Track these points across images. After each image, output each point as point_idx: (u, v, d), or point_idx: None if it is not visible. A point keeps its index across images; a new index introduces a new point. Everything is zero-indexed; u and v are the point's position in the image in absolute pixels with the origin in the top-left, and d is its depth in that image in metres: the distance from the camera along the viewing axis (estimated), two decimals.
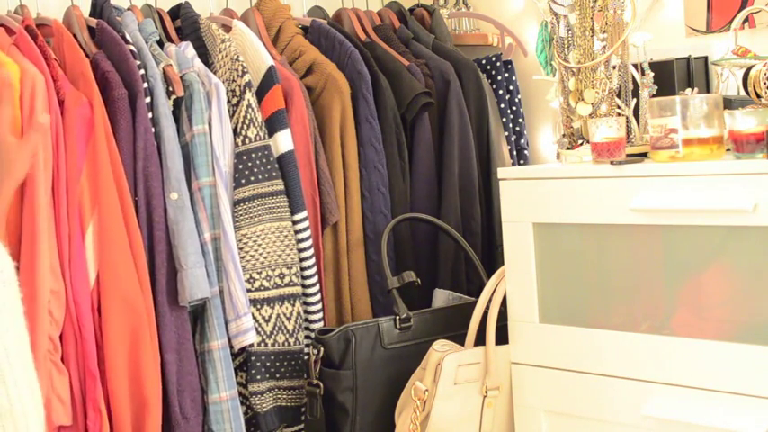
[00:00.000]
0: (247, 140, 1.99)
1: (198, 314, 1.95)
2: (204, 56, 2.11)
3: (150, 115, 1.90)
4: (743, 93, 1.80)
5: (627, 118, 1.93)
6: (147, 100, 1.89)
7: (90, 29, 2.02)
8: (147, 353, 1.83)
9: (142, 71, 1.91)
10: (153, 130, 1.90)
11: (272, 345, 2.01)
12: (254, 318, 1.98)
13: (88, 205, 1.80)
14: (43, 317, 1.73)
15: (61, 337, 1.78)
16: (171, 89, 1.95)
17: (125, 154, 1.86)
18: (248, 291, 1.98)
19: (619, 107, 1.94)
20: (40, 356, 1.74)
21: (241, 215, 1.99)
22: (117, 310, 1.81)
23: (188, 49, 2.05)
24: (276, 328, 2.02)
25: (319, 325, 2.09)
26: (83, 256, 1.79)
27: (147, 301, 1.84)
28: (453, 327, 2.03)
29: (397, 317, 2.00)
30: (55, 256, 1.76)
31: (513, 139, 2.49)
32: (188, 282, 1.85)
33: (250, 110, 2.00)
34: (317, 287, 2.09)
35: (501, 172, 1.94)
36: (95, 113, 1.82)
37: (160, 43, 2.06)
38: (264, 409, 2.01)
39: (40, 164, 1.74)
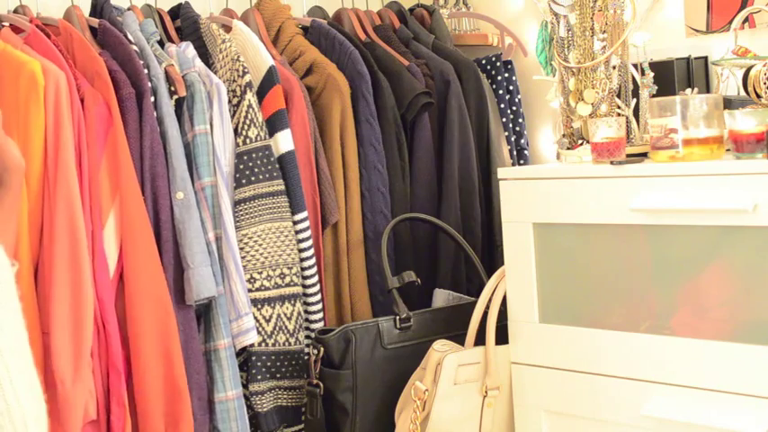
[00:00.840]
0: (248, 140, 2.00)
1: (201, 314, 1.95)
2: (204, 56, 2.11)
3: (155, 114, 1.90)
4: (743, 93, 1.80)
5: (627, 118, 1.93)
6: (152, 99, 1.90)
7: (91, 29, 2.02)
8: (176, 342, 1.83)
9: (146, 71, 1.91)
10: (158, 129, 1.91)
11: (273, 345, 2.01)
12: (255, 318, 1.98)
13: (107, 201, 1.82)
14: (90, 315, 1.74)
15: None
16: (173, 89, 1.95)
17: (133, 153, 1.86)
18: (249, 291, 1.98)
19: (619, 107, 1.94)
20: (85, 354, 1.74)
21: (242, 215, 1.99)
22: (146, 300, 1.81)
23: (188, 49, 2.05)
24: (277, 328, 2.02)
25: (319, 325, 2.09)
26: (103, 251, 1.80)
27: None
28: (453, 327, 2.03)
29: (397, 317, 2.00)
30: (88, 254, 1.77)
31: (513, 139, 2.49)
32: (195, 281, 1.86)
33: (251, 110, 2.00)
34: (318, 287, 2.10)
35: (501, 172, 1.94)
36: (113, 112, 1.83)
37: (160, 43, 2.06)
38: (265, 409, 2.01)
39: (70, 161, 1.75)
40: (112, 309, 1.81)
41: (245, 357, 2.03)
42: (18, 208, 1.56)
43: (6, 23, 1.93)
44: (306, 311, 2.09)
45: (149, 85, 1.90)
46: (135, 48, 1.93)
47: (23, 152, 1.74)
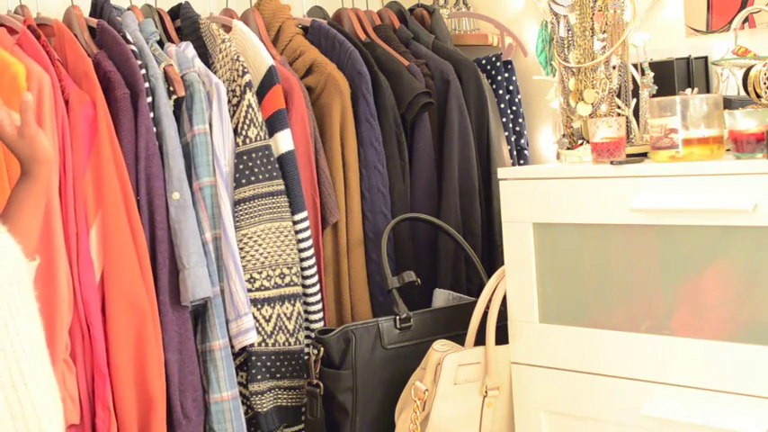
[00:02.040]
0: (248, 140, 2.00)
1: (198, 314, 1.95)
2: (204, 56, 2.11)
3: (152, 115, 1.90)
4: (743, 93, 1.80)
5: (627, 118, 1.93)
6: (149, 100, 1.90)
7: (90, 29, 2.02)
8: (152, 351, 1.83)
9: (143, 71, 1.91)
10: (155, 129, 1.90)
11: (273, 345, 2.01)
12: (255, 318, 1.98)
13: (92, 203, 1.81)
14: (64, 316, 1.73)
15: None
16: (172, 89, 1.95)
17: (127, 154, 1.86)
18: (249, 291, 1.98)
19: (619, 107, 1.94)
20: (59, 355, 1.73)
21: (241, 215, 1.99)
22: (121, 308, 1.81)
23: (188, 48, 2.05)
24: (277, 328, 2.02)
25: (319, 325, 2.09)
26: (89, 253, 1.80)
27: (151, 300, 1.84)
28: (453, 327, 2.03)
29: (397, 317, 2.00)
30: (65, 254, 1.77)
31: (513, 139, 2.49)
32: (190, 281, 1.86)
33: (250, 110, 2.00)
34: (318, 287, 2.10)
35: (501, 172, 1.94)
36: (98, 113, 1.82)
37: (160, 43, 2.06)
38: (265, 409, 2.01)
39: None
40: (98, 311, 1.80)
41: (244, 357, 2.03)
42: (45, 200, 1.55)
43: (7, 24, 1.93)
44: (306, 311, 2.09)
45: (146, 85, 1.90)
46: (133, 48, 1.93)
47: (6, 156, 1.74)
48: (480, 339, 1.94)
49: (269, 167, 2.01)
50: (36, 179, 1.51)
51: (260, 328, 1.99)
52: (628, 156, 1.80)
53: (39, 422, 1.19)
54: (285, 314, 2.03)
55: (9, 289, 1.19)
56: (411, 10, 2.59)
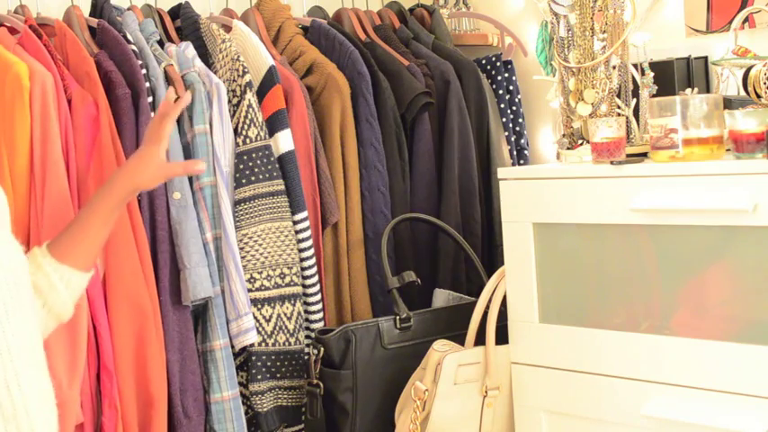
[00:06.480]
0: (248, 140, 2.00)
1: (199, 314, 1.95)
2: (204, 56, 2.11)
3: (152, 115, 1.90)
4: (743, 93, 1.80)
5: (627, 118, 1.93)
6: (150, 99, 1.90)
7: (91, 29, 2.02)
8: (154, 351, 1.83)
9: (144, 71, 1.91)
10: None
11: (273, 344, 2.01)
12: (255, 318, 1.98)
13: None
14: (84, 314, 1.73)
15: None
16: None
17: (128, 153, 1.86)
18: (249, 290, 1.98)
19: (619, 107, 1.94)
20: (81, 354, 1.73)
21: (242, 215, 1.99)
22: (123, 308, 1.81)
23: (188, 49, 2.05)
24: (277, 328, 2.02)
25: (319, 325, 2.09)
26: None
27: (153, 300, 1.84)
28: (453, 327, 2.04)
29: (398, 317, 2.00)
30: None
31: (513, 139, 2.49)
32: (191, 281, 1.86)
33: (251, 110, 2.00)
34: (318, 287, 2.10)
35: (501, 172, 1.94)
36: (101, 112, 1.83)
37: (160, 43, 2.06)
38: (265, 409, 2.01)
39: (59, 161, 1.74)
40: (103, 309, 1.80)
41: (245, 357, 2.03)
42: (115, 213, 1.57)
43: (8, 24, 1.93)
44: (306, 311, 2.09)
45: (146, 84, 1.90)
46: (134, 47, 1.93)
47: (9, 155, 1.74)
48: (480, 339, 1.94)
49: (269, 167, 2.01)
50: (111, 190, 1.52)
51: (260, 328, 1.99)
52: (628, 156, 1.80)
53: (31, 425, 1.18)
54: (285, 314, 2.03)
55: (6, 289, 1.19)
56: (411, 10, 2.59)
